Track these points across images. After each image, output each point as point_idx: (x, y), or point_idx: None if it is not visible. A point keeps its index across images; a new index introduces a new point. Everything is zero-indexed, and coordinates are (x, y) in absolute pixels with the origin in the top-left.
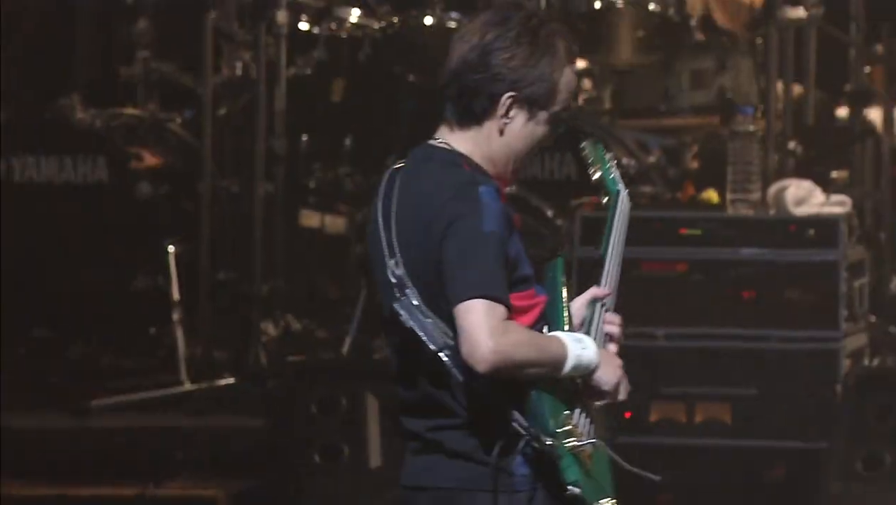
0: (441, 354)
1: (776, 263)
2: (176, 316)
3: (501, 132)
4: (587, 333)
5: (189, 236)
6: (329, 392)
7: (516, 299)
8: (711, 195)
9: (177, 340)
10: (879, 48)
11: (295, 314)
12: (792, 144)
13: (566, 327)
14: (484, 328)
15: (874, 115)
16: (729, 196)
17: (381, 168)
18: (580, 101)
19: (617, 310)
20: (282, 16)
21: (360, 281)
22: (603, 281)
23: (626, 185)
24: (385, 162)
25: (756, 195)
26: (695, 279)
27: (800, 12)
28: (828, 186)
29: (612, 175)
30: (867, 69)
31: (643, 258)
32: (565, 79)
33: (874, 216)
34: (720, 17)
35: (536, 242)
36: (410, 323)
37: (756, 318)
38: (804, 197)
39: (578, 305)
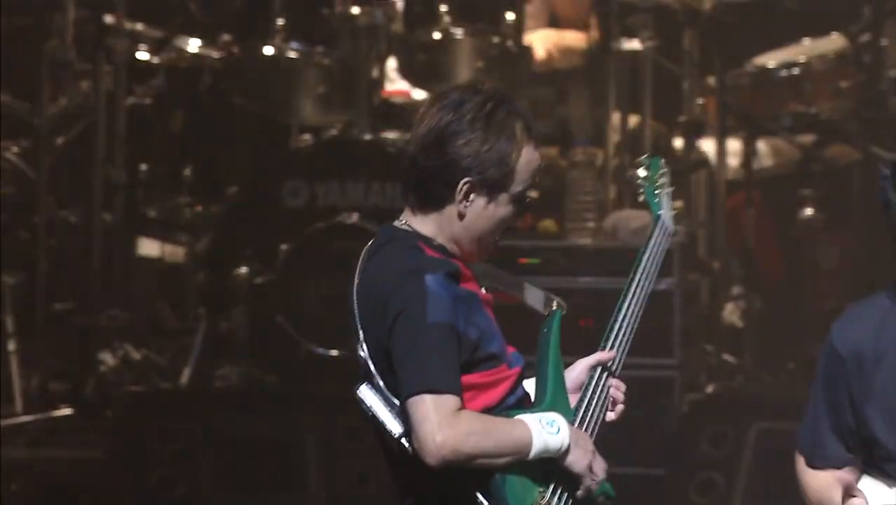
0: (402, 441)
1: (614, 292)
2: (12, 347)
3: (462, 216)
4: (583, 398)
5: (25, 266)
6: (168, 423)
7: (480, 377)
8: (549, 225)
9: (12, 371)
10: (711, 80)
11: (134, 344)
12: (629, 175)
13: (548, 392)
14: (431, 422)
15: (707, 146)
16: (567, 225)
17: (220, 197)
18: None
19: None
20: (120, 45)
21: (200, 311)
22: (611, 340)
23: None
24: (225, 191)
25: (594, 225)
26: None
27: (635, 45)
28: None
29: (658, 197)
30: (700, 101)
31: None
32: (524, 159)
33: (708, 246)
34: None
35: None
36: (372, 410)
37: (594, 346)
38: (641, 227)
39: (579, 370)
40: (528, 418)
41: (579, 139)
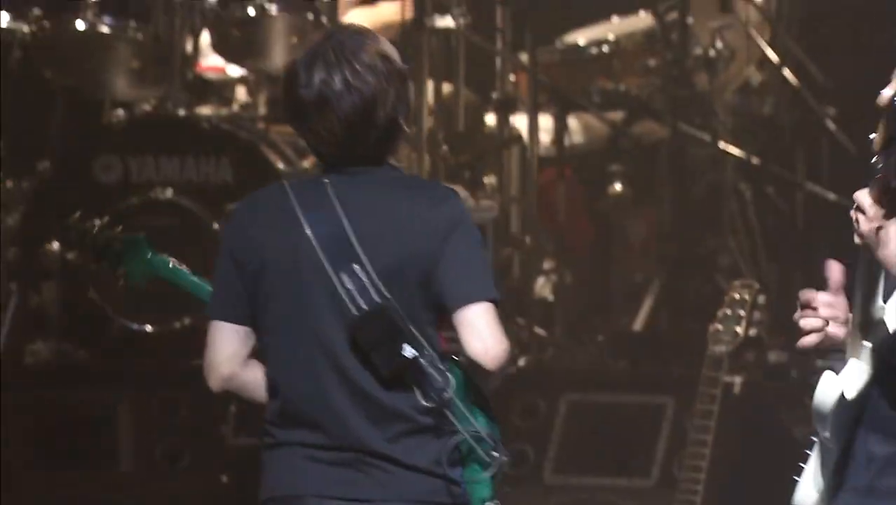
0: (421, 359)
1: None
2: None
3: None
4: None
5: None
6: None
7: None
8: None
9: None
10: (524, 57)
11: None
12: (443, 149)
13: None
14: (498, 329)
15: (520, 122)
16: None
17: (32, 173)
18: (236, 107)
19: None
20: None
21: (11, 286)
22: None
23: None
24: (36, 167)
25: None
26: None
27: (448, 21)
28: (477, 191)
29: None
30: (512, 77)
31: None
32: None
33: (521, 221)
34: None
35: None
36: (400, 325)
37: None
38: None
39: None
40: None
41: None
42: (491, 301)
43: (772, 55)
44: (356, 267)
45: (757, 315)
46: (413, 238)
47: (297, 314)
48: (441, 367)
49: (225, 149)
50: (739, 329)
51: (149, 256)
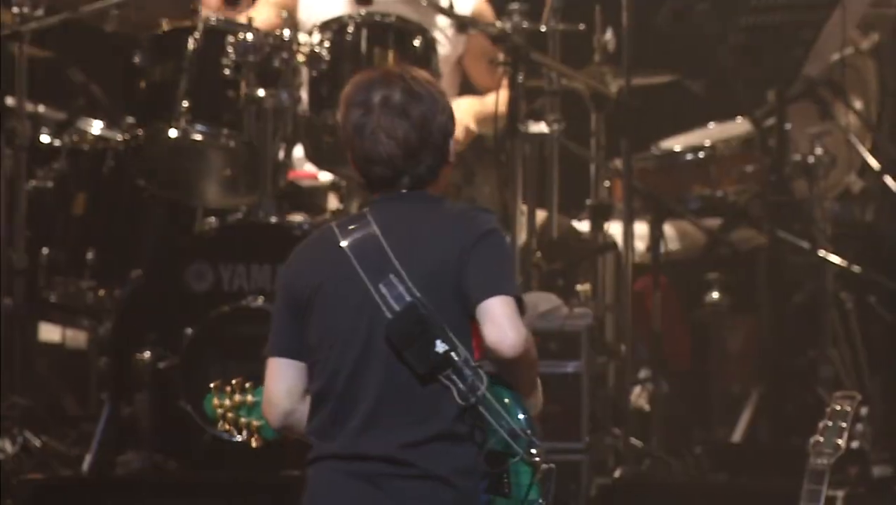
0: (453, 354)
1: None
2: None
3: (450, 165)
4: None
5: None
6: None
7: None
8: None
9: None
10: (618, 163)
11: (34, 431)
12: (536, 256)
13: None
14: (517, 320)
15: (614, 229)
16: None
17: (123, 281)
18: (328, 214)
19: None
20: (21, 127)
21: (102, 396)
22: None
23: None
24: (128, 274)
25: None
26: None
27: (542, 127)
28: (570, 299)
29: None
30: (607, 184)
31: None
32: None
33: (615, 329)
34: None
35: None
36: (430, 321)
37: None
38: (548, 310)
39: None
40: None
41: None
42: (510, 295)
43: (873, 162)
44: (392, 277)
45: (860, 427)
46: (445, 247)
47: (340, 328)
48: (474, 365)
49: None
50: (841, 442)
51: None
